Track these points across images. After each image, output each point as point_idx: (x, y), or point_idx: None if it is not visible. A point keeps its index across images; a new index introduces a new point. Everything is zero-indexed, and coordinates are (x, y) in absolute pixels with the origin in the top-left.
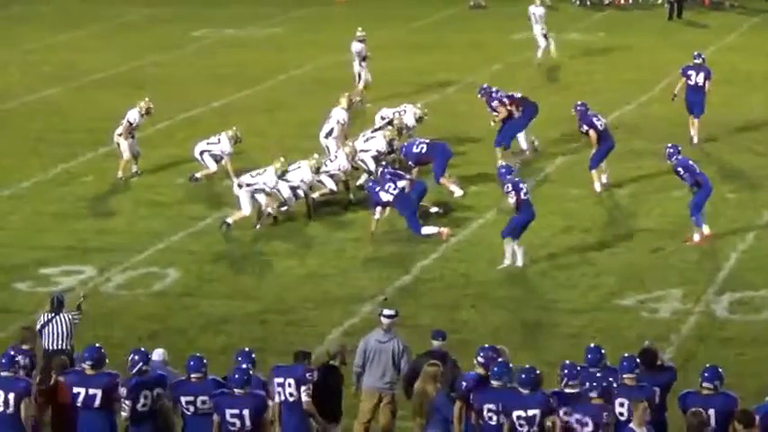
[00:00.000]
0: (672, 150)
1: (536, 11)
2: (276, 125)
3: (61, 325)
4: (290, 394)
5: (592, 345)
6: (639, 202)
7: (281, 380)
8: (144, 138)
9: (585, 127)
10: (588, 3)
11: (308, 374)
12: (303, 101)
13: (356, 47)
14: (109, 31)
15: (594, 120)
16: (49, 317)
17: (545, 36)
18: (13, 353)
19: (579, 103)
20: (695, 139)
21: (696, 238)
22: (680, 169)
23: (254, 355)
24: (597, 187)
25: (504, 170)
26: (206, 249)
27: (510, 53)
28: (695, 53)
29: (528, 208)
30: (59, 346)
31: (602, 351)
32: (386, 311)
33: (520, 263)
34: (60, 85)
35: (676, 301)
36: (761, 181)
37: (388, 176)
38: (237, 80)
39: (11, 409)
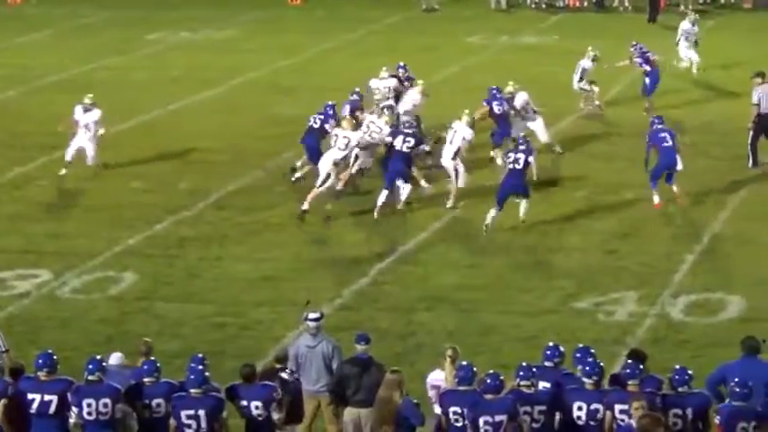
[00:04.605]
0: (656, 120)
1: (585, 63)
2: (231, 128)
3: None
4: (259, 415)
5: (550, 344)
6: (593, 204)
7: (244, 402)
8: (99, 140)
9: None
10: (543, 6)
11: (274, 394)
12: (259, 104)
13: (586, 63)
14: (63, 35)
15: (496, 103)
16: None
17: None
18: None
19: (494, 88)
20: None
21: (656, 200)
22: (648, 137)
23: (207, 361)
24: (499, 161)
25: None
26: (162, 253)
27: (465, 56)
28: (635, 45)
29: (506, 177)
30: None
31: (561, 350)
32: (310, 315)
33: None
34: (14, 89)
35: (632, 304)
36: (716, 183)
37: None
38: (193, 83)
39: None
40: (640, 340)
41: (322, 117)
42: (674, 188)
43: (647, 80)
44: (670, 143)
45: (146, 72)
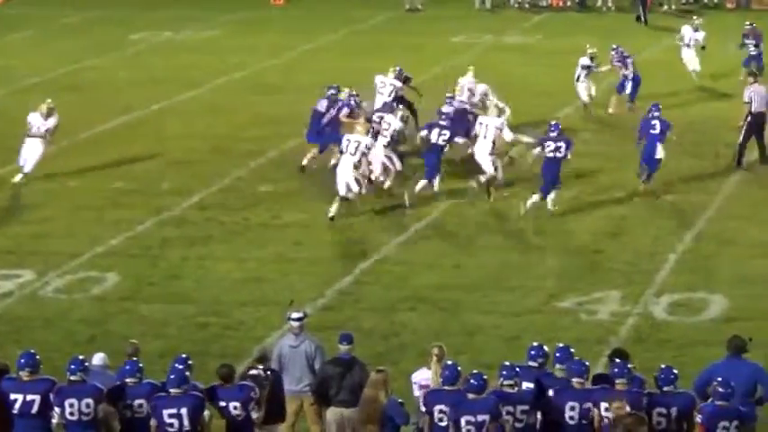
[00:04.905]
0: (653, 108)
1: (584, 61)
2: (215, 128)
3: None
4: (237, 415)
5: (534, 344)
6: (579, 203)
7: (223, 403)
8: (82, 141)
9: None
10: (526, 5)
11: (252, 394)
12: (242, 104)
13: (584, 61)
14: (45, 35)
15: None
16: None
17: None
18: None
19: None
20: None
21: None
22: (641, 123)
23: (191, 361)
24: None
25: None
26: (145, 253)
27: (450, 56)
28: (615, 49)
29: (545, 164)
30: None
31: (545, 350)
32: (293, 315)
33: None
34: None
35: (615, 303)
36: (699, 183)
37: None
38: (176, 83)
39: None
40: (623, 339)
41: (332, 110)
42: (642, 181)
43: (629, 84)
44: (657, 130)
45: (129, 72)
